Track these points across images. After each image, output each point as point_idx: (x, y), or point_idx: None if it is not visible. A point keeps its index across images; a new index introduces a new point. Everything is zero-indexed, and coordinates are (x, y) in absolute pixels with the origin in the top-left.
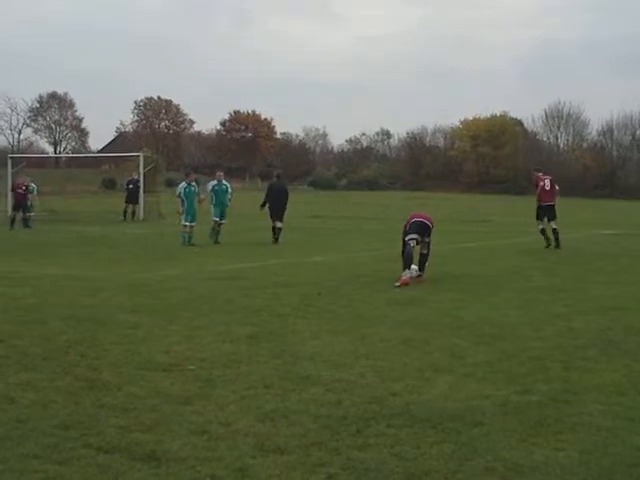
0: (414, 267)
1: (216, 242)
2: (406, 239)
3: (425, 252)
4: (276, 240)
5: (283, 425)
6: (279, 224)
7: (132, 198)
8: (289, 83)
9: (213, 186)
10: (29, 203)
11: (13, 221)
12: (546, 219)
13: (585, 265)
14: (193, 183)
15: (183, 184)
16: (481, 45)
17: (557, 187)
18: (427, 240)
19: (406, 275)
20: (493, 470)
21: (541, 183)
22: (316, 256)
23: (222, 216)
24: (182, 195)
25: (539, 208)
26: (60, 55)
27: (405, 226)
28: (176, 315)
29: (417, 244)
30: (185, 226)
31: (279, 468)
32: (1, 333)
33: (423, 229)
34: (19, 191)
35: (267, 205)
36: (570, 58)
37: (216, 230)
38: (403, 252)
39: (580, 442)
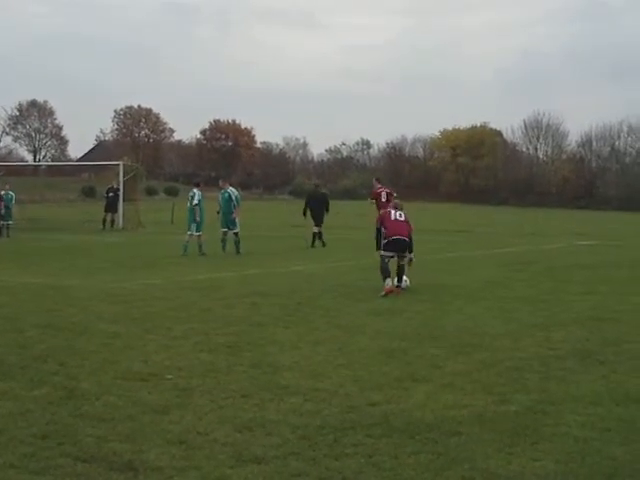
0: (404, 278)
1: (224, 250)
2: (382, 254)
3: (403, 264)
4: (322, 244)
5: (261, 435)
6: (317, 229)
7: (111, 207)
8: (270, 92)
9: (222, 195)
10: (2, 211)
11: (0, 229)
12: None
13: (563, 276)
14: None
15: (199, 193)
16: (462, 56)
17: (394, 194)
18: (407, 255)
19: (388, 285)
20: None
21: (379, 196)
22: (296, 266)
23: (229, 225)
24: (202, 204)
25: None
26: (40, 63)
27: (380, 221)
28: (155, 324)
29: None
30: (190, 235)
31: (257, 478)
32: None
33: (402, 247)
34: None
35: (309, 212)
36: (551, 69)
37: (225, 240)
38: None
39: (557, 452)
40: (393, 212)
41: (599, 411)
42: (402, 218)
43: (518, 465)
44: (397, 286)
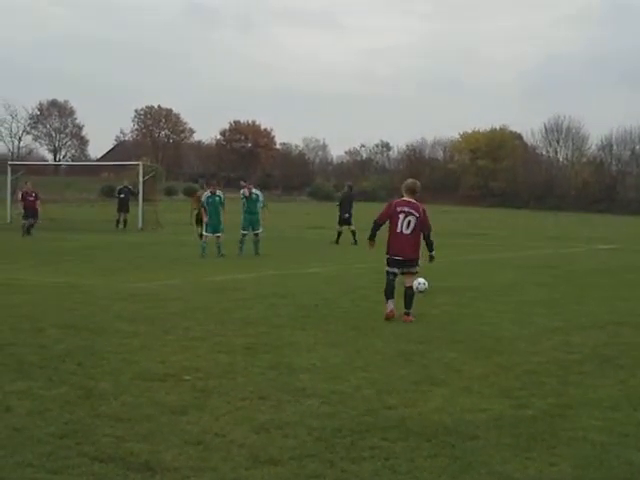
0: (421, 280)
1: (241, 251)
2: (386, 269)
3: (410, 287)
4: (355, 242)
5: (278, 436)
6: (352, 227)
7: (124, 206)
8: (290, 94)
9: (244, 194)
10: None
11: (29, 228)
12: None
13: (583, 280)
14: (218, 192)
15: (207, 193)
16: (482, 59)
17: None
18: (414, 271)
19: (389, 308)
20: None
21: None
22: (313, 267)
23: (254, 226)
24: (205, 204)
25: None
26: (61, 63)
27: (383, 213)
28: (173, 325)
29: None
30: (206, 236)
31: (273, 479)
32: None
33: (405, 265)
34: (29, 199)
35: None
36: (571, 73)
37: (243, 242)
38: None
39: (574, 457)
40: (402, 217)
41: (617, 416)
42: (408, 230)
43: (535, 470)
44: (406, 313)
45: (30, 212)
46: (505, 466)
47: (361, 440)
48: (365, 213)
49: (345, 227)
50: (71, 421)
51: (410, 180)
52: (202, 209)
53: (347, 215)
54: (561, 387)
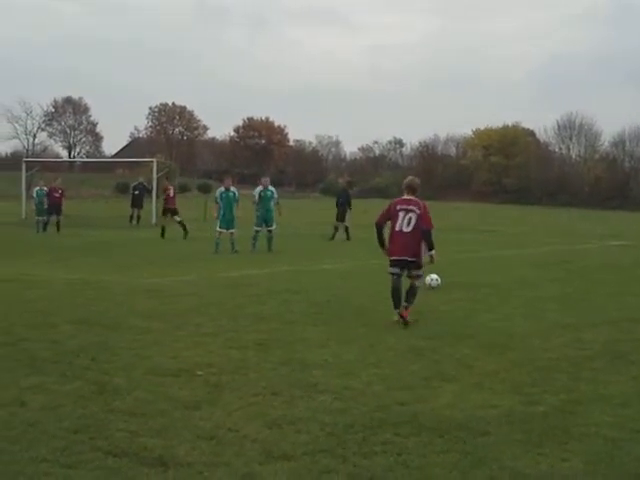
0: (434, 276)
1: (254, 248)
2: (388, 270)
3: (414, 284)
4: (348, 238)
5: (290, 432)
6: (344, 224)
7: (137, 202)
8: (303, 91)
9: (259, 192)
10: (45, 206)
11: (46, 225)
12: (176, 217)
13: (595, 276)
14: (233, 188)
15: (221, 189)
16: (495, 56)
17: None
18: (415, 274)
19: (400, 314)
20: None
21: (168, 191)
22: (326, 264)
23: (267, 222)
24: (218, 200)
25: (166, 209)
26: (76, 61)
27: (383, 214)
28: (186, 321)
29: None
30: (220, 232)
31: (286, 474)
32: (12, 336)
33: (408, 265)
34: (55, 195)
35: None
36: (583, 70)
37: (256, 238)
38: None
39: (585, 453)
40: (401, 215)
41: (628, 412)
42: (409, 228)
43: (547, 465)
44: (405, 307)
45: (54, 209)
46: (516, 462)
47: (373, 435)
48: (377, 209)
49: (340, 223)
50: (85, 416)
51: (409, 178)
52: (214, 205)
53: (341, 208)
54: (572, 383)
